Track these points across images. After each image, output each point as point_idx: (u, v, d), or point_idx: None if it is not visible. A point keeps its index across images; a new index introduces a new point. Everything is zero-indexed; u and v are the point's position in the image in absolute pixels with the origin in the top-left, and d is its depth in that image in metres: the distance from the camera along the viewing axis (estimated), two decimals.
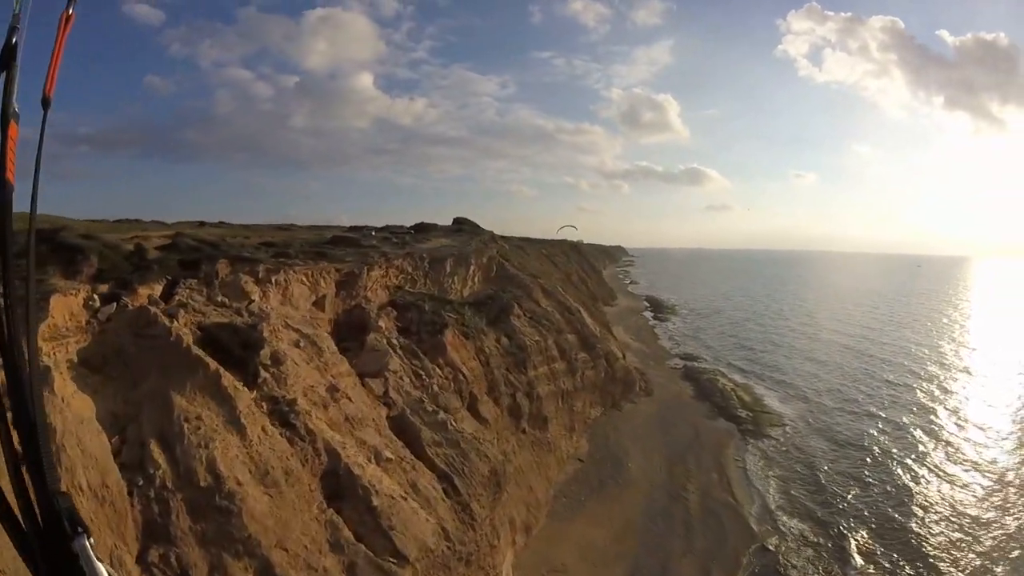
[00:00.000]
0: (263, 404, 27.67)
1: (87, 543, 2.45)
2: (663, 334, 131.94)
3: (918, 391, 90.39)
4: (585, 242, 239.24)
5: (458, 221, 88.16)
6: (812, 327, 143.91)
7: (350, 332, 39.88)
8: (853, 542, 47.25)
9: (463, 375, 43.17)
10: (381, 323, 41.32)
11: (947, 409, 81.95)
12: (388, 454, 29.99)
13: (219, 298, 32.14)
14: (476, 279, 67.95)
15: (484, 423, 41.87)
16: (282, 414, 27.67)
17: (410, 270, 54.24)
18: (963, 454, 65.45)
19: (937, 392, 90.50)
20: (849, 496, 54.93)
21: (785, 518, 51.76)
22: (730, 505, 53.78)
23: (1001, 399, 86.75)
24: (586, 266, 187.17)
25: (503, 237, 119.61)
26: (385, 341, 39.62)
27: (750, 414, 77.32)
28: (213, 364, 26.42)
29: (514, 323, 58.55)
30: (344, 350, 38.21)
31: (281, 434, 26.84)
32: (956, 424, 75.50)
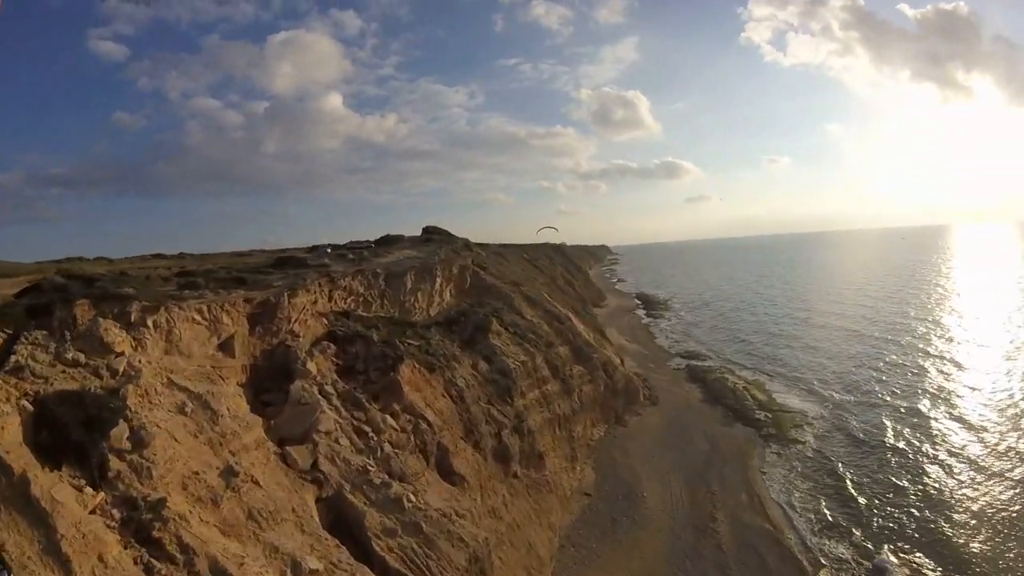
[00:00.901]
0: (113, 513, 18.17)
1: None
2: (659, 332, 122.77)
3: (932, 371, 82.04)
4: (568, 244, 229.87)
5: (428, 230, 78.83)
6: (807, 312, 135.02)
7: (273, 380, 30.35)
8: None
9: (427, 422, 33.54)
10: (311, 365, 31.72)
11: (968, 388, 73.43)
12: (313, 563, 20.28)
13: (70, 355, 22.46)
14: (447, 293, 58.54)
15: (460, 483, 32.13)
16: (140, 526, 18.16)
17: (362, 290, 44.83)
18: (1000, 440, 56.69)
19: (952, 370, 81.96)
20: (888, 507, 46.64)
21: (831, 543, 42.96)
22: (767, 533, 44.72)
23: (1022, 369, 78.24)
24: (571, 267, 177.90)
25: (481, 245, 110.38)
26: (316, 390, 30.12)
27: (768, 415, 68.39)
28: (20, 464, 16.95)
29: (493, 342, 49.44)
30: (265, 405, 28.75)
31: (137, 559, 17.36)
32: (982, 405, 66.79)
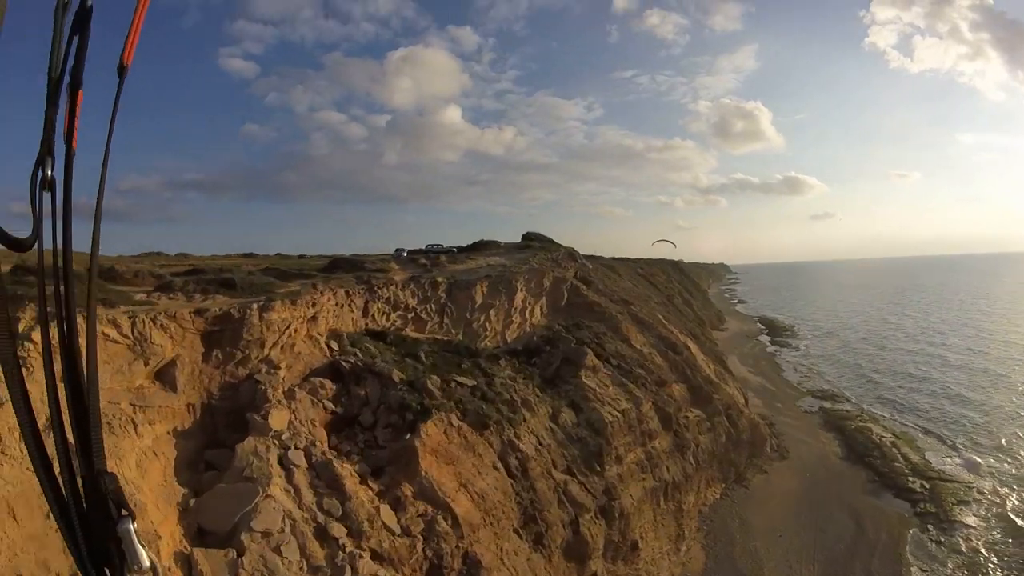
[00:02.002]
0: None
1: (131, 527, 2.44)
2: (786, 364, 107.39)
3: None
4: (685, 261, 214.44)
5: (528, 237, 68.55)
6: (943, 347, 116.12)
7: (232, 430, 20.33)
8: None
9: (451, 518, 22.50)
10: (278, 415, 21.32)
11: None
12: None
13: None
14: (536, 312, 48.66)
15: None
16: None
17: (414, 303, 35.33)
18: None
19: None
20: None
21: None
22: None
23: None
24: (689, 285, 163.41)
25: (592, 257, 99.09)
26: (276, 456, 19.62)
27: (925, 485, 54.67)
28: None
29: (586, 382, 39.13)
30: (208, 468, 18.82)
31: None
32: None
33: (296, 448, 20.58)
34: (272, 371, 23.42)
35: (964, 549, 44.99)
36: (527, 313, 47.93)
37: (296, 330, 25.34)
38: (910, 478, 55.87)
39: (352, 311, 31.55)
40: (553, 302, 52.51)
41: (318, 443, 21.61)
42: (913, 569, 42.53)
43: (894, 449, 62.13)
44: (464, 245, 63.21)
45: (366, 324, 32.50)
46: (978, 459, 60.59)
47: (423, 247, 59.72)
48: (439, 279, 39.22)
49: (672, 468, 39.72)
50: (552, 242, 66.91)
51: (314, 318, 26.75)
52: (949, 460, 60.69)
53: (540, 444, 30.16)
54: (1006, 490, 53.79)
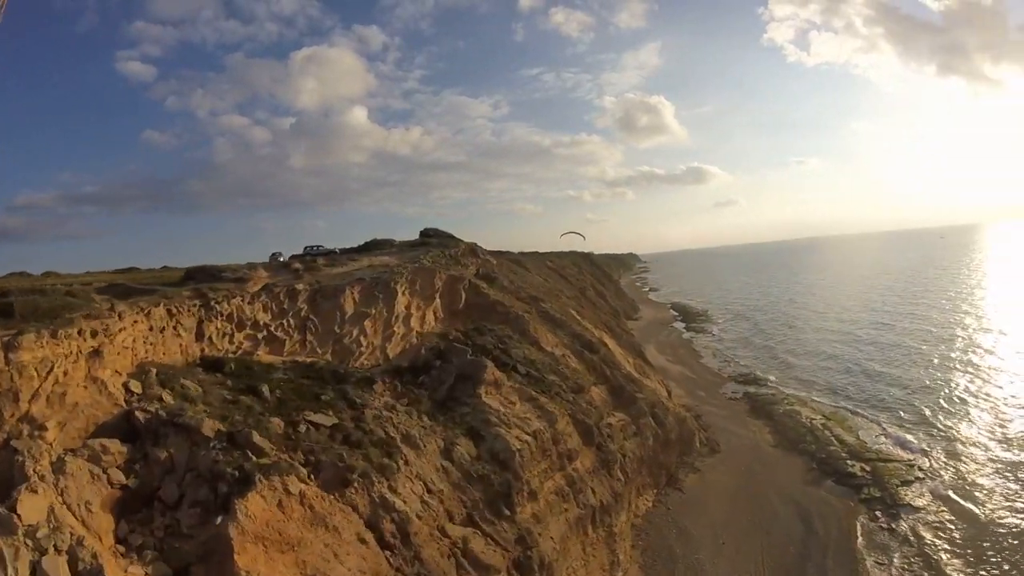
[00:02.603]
0: None
1: None
2: (703, 350, 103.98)
3: None
4: (596, 253, 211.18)
5: (425, 233, 62.11)
6: (852, 324, 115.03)
7: None
8: None
9: None
10: (25, 508, 14.01)
11: None
12: None
13: None
14: (427, 318, 42.49)
15: None
16: None
17: (266, 320, 28.28)
18: None
19: None
20: None
21: None
22: None
23: None
24: (602, 277, 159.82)
25: (501, 253, 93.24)
26: (24, 568, 12.71)
27: (865, 468, 51.25)
28: None
29: (487, 403, 32.90)
30: None
31: None
32: None
33: (56, 551, 13.73)
34: (36, 434, 16.43)
35: (913, 536, 41.37)
36: (413, 321, 41.40)
37: (67, 373, 18.15)
38: (849, 462, 52.42)
39: (179, 335, 24.47)
40: (449, 305, 46.18)
41: (92, 539, 14.61)
42: (868, 563, 38.49)
43: (826, 432, 58.70)
44: (352, 247, 56.25)
45: (202, 350, 25.58)
46: (908, 436, 57.66)
47: (304, 251, 52.53)
48: (298, 287, 32.21)
49: (599, 489, 33.71)
50: (452, 237, 60.62)
51: (96, 353, 19.43)
52: (883, 439, 57.55)
53: (429, 492, 23.79)
54: (941, 465, 50.96)
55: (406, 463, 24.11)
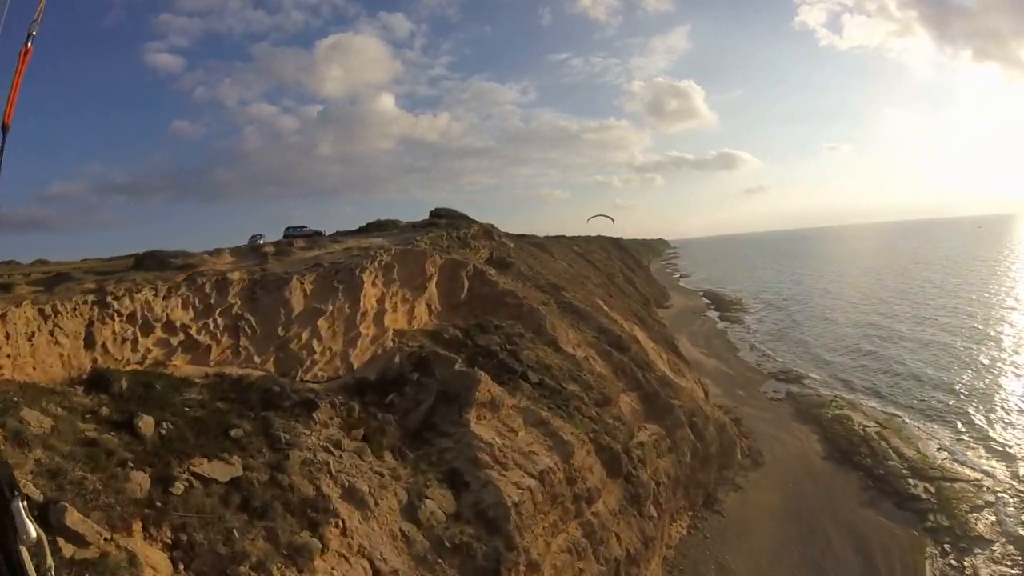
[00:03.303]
0: None
1: (20, 505, 2.96)
2: (739, 341, 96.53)
3: None
4: (624, 238, 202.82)
5: (436, 213, 55.64)
6: (915, 318, 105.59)
7: None
8: None
9: None
10: None
11: None
12: None
13: None
14: (417, 312, 35.38)
15: None
16: None
17: (186, 319, 22.25)
18: None
19: None
20: None
21: None
22: None
23: None
24: (631, 262, 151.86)
25: (521, 236, 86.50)
26: None
27: (930, 489, 44.34)
28: None
29: (476, 434, 25.66)
30: None
31: None
32: None
33: None
34: None
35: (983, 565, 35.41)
36: (389, 319, 33.25)
37: None
38: (910, 480, 45.89)
39: (59, 343, 18.26)
40: (448, 296, 39.01)
41: None
42: None
43: (883, 443, 51.79)
44: (349, 230, 49.61)
45: (94, 362, 19.33)
46: (969, 452, 50.95)
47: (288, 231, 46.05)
48: (232, 276, 25.93)
49: (625, 535, 26.87)
50: (465, 218, 54.10)
51: None
52: (943, 453, 50.65)
53: None
54: (1009, 487, 44.11)
55: (343, 533, 17.34)
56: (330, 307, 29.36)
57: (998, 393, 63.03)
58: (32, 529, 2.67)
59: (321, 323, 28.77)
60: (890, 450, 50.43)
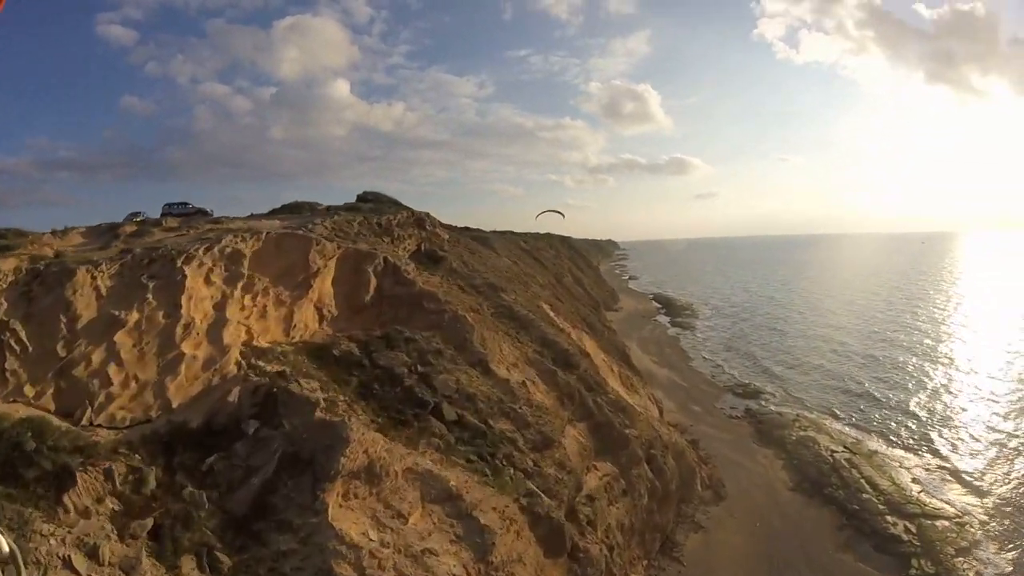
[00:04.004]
0: None
1: None
2: (692, 349, 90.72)
3: None
4: (574, 238, 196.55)
5: (362, 197, 47.78)
6: (866, 333, 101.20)
7: None
8: None
9: None
10: None
11: None
12: None
13: None
14: (298, 320, 27.54)
15: None
16: None
17: None
18: None
19: None
20: None
21: None
22: None
23: None
24: (580, 262, 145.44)
25: (465, 230, 79.47)
26: None
27: (911, 528, 39.05)
28: None
29: (338, 528, 16.79)
30: None
31: None
32: None
33: None
34: None
35: None
36: (232, 332, 23.66)
37: None
38: (888, 518, 40.60)
39: None
40: (349, 297, 30.82)
41: None
42: None
43: (854, 471, 46.45)
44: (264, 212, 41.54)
45: None
46: (944, 483, 46.76)
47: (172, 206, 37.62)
48: (2, 266, 18.57)
49: None
50: (396, 203, 46.27)
51: None
52: (918, 485, 45.63)
53: None
54: (993, 528, 39.10)
55: None
56: (135, 315, 20.59)
57: (958, 416, 58.92)
58: (3, 543, 2.37)
59: (120, 338, 20.02)
60: (863, 480, 45.06)
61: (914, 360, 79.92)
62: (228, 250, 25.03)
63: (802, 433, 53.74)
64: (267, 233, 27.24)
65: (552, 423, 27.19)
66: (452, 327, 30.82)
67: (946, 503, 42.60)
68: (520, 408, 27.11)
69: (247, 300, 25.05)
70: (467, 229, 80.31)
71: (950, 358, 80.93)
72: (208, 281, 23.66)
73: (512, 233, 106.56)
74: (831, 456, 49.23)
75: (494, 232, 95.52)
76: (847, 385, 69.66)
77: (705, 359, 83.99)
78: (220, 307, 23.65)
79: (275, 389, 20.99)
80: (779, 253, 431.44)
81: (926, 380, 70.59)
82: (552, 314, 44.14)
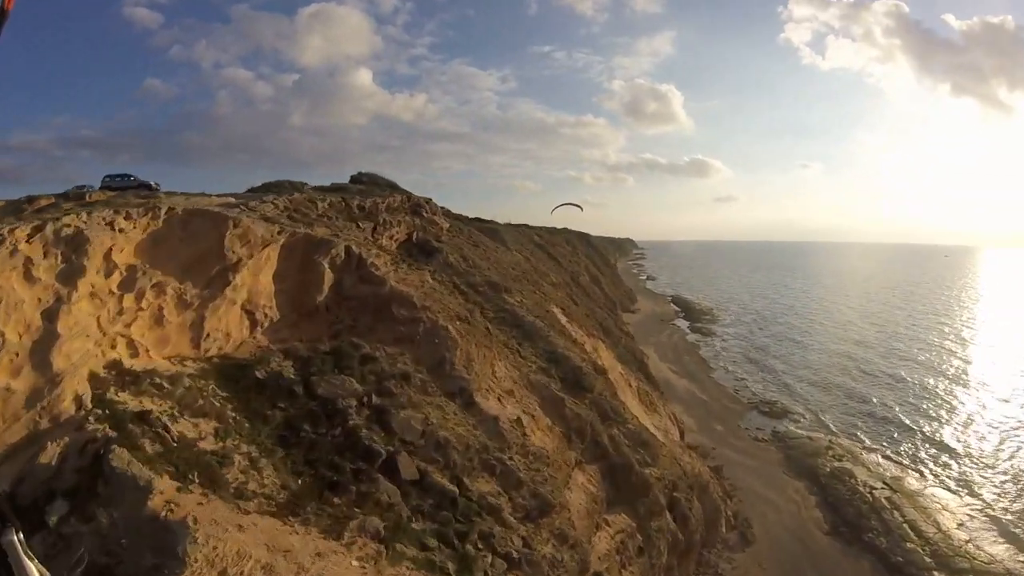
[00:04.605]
0: None
1: (15, 539, 2.41)
2: (713, 358, 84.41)
3: None
4: (592, 235, 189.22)
5: (356, 179, 41.94)
6: (892, 352, 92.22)
7: None
8: None
9: None
10: None
11: None
12: None
13: None
14: (212, 327, 20.79)
15: None
16: None
17: None
18: None
19: None
20: None
21: None
22: None
23: None
24: (598, 260, 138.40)
25: (474, 220, 73.89)
26: None
27: None
28: None
29: None
30: None
31: None
32: None
33: None
34: None
35: None
36: (76, 349, 16.41)
37: None
38: (935, 574, 34.50)
39: None
40: (296, 297, 24.22)
41: None
42: None
43: (896, 514, 40.82)
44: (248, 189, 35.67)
45: None
46: (989, 533, 40.00)
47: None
48: None
49: None
50: (393, 186, 40.43)
51: None
52: (964, 533, 39.97)
53: None
54: None
55: None
56: None
57: (997, 453, 52.66)
58: (32, 568, 2.12)
59: None
60: (905, 525, 39.64)
61: (944, 384, 73.67)
62: (67, 232, 17.21)
63: (836, 464, 48.08)
64: (168, 210, 20.26)
65: (553, 478, 21.48)
66: (428, 341, 24.43)
67: (993, 559, 37.01)
68: (510, 459, 20.97)
69: (127, 301, 18.37)
70: (478, 220, 74.60)
71: (983, 383, 74.39)
72: (30, 278, 16.00)
73: (527, 226, 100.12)
74: (870, 493, 43.71)
75: (508, 225, 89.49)
76: (873, 408, 63.52)
77: (727, 371, 77.84)
78: (52, 315, 16.22)
79: (104, 451, 14.13)
80: (798, 259, 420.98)
81: (959, 407, 64.43)
82: (564, 320, 38.18)
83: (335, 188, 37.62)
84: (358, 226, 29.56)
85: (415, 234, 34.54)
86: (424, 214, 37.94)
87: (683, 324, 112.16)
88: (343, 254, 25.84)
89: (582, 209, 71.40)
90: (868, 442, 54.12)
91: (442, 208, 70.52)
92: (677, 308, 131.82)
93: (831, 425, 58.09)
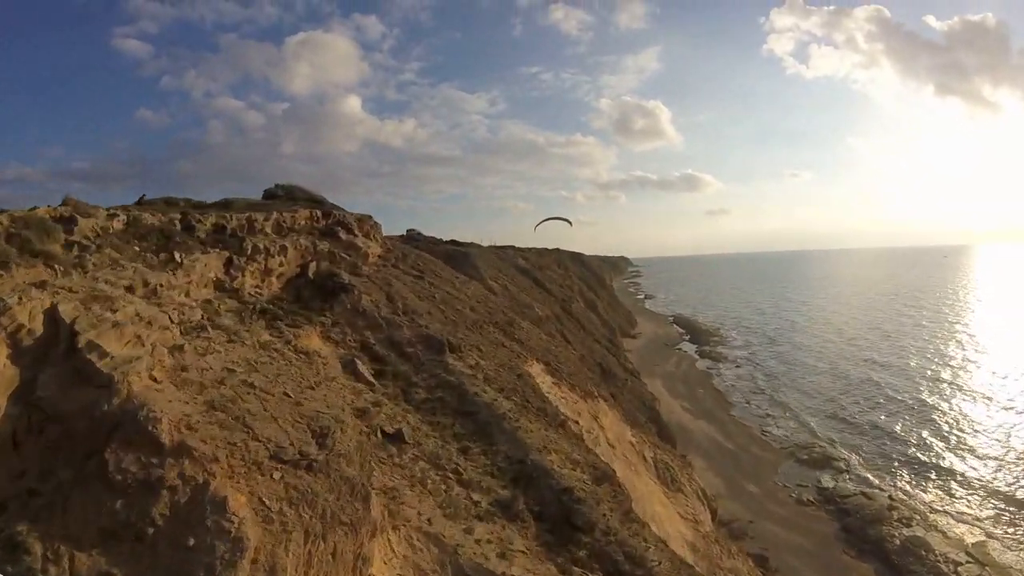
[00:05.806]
0: None
1: None
2: (730, 389, 73.22)
3: None
4: (586, 254, 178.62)
5: (270, 193, 31.26)
6: (925, 373, 78.47)
7: None
8: None
9: None
10: None
11: None
12: None
13: None
14: None
15: None
16: None
17: None
18: None
19: None
20: None
21: None
22: None
23: None
24: (593, 281, 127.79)
25: (451, 242, 63.69)
26: None
27: None
28: None
29: None
30: None
31: None
32: None
33: None
34: None
35: None
36: None
37: None
38: None
39: None
40: None
41: None
42: None
43: None
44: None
45: None
46: None
47: None
48: None
49: None
50: (316, 200, 29.49)
51: None
52: None
53: None
54: None
55: None
56: None
57: None
58: None
59: None
60: None
61: (989, 412, 60.34)
62: None
63: (906, 531, 37.32)
64: None
65: None
66: (175, 542, 9.01)
67: None
68: None
69: None
70: (453, 242, 63.82)
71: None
72: None
73: (513, 248, 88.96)
74: (955, 572, 33.24)
75: (491, 247, 78.63)
76: (913, 449, 51.70)
77: (748, 404, 66.54)
78: None
79: None
80: (794, 270, 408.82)
81: (1016, 443, 51.24)
82: (549, 383, 26.93)
83: (259, 203, 27.12)
84: (221, 255, 18.12)
85: (313, 265, 23.43)
86: (341, 236, 27.14)
87: (690, 348, 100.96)
88: (41, 326, 10.88)
89: (571, 224, 61.36)
90: (927, 497, 43.10)
91: (421, 233, 59.32)
92: (681, 329, 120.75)
93: (882, 475, 47.14)
